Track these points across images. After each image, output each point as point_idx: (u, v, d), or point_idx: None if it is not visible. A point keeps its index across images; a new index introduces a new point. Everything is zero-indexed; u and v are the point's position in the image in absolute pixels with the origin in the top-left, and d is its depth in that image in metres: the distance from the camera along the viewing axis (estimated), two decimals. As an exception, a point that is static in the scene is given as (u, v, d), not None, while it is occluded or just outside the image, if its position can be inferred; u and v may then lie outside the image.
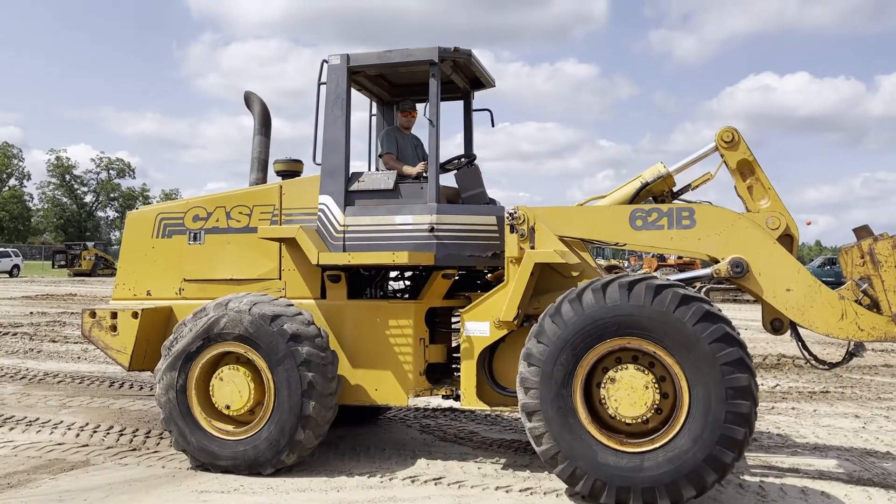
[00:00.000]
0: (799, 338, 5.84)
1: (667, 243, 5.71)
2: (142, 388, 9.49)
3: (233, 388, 5.79)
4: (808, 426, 7.89)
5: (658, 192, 6.11)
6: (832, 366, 5.95)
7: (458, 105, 7.39)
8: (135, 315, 6.33)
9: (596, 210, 5.96)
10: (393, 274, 6.76)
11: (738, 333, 4.99)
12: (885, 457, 6.67)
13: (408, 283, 6.82)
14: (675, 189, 6.16)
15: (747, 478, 5.89)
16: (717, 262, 5.57)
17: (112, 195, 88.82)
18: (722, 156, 5.89)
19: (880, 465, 6.32)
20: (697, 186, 6.16)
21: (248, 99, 7.24)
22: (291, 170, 6.83)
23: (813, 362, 5.92)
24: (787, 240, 5.67)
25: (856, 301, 5.39)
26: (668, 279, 5.26)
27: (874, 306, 5.35)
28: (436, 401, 7.97)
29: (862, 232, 5.48)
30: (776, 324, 5.74)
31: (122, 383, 9.77)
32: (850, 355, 5.68)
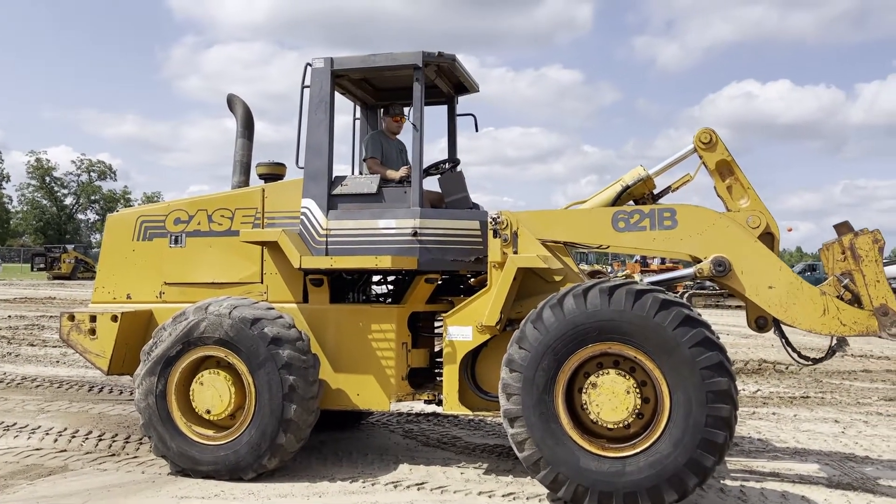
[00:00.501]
0: (782, 335, 5.89)
1: (649, 244, 5.74)
2: (121, 393, 9.39)
3: (213, 393, 5.74)
4: (789, 431, 7.94)
5: (639, 195, 6.15)
6: (815, 361, 6.01)
7: (443, 110, 7.39)
8: (114, 318, 6.27)
9: (579, 213, 5.98)
10: (376, 278, 6.74)
11: (718, 338, 5.02)
12: (864, 461, 6.72)
13: (391, 287, 6.80)
14: (655, 192, 6.20)
15: (728, 482, 5.91)
16: (699, 261, 5.61)
17: (93, 198, 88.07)
18: (700, 157, 5.94)
19: (860, 470, 6.37)
20: (678, 188, 6.21)
21: (231, 102, 7.20)
22: (274, 173, 6.80)
23: (796, 358, 5.98)
24: (767, 238, 5.72)
25: (837, 297, 5.43)
26: (647, 284, 5.28)
27: (855, 301, 5.40)
28: (419, 405, 7.95)
29: (842, 228, 5.53)
30: (760, 321, 5.79)
31: (102, 388, 9.66)
32: (832, 351, 5.74)
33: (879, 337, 5.35)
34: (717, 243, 5.53)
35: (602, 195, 6.17)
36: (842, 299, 5.42)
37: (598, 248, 6.08)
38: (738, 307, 35.13)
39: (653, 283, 5.74)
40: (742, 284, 5.49)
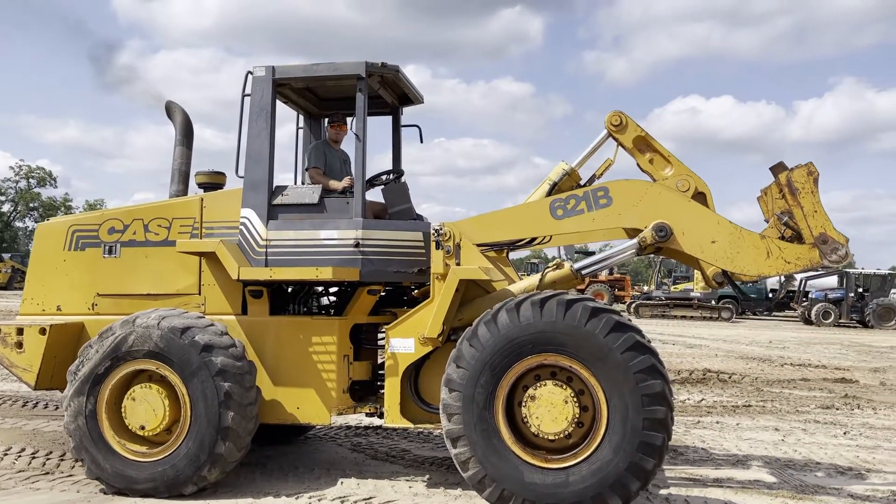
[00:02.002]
0: (734, 285, 6.02)
1: (590, 226, 5.77)
2: (56, 409, 9.05)
3: (146, 408, 5.57)
4: (732, 440, 8.05)
5: (567, 190, 6.22)
6: (770, 308, 6.13)
7: (388, 120, 7.33)
8: (42, 331, 6.03)
9: (516, 209, 6.00)
10: (317, 290, 6.62)
11: (649, 341, 5.07)
12: (803, 468, 6.83)
13: (332, 299, 6.69)
14: (581, 183, 6.32)
15: (673, 491, 5.95)
16: (640, 232, 5.66)
17: (32, 205, 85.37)
18: (616, 139, 6.10)
19: (799, 477, 6.47)
20: (602, 174, 6.33)
21: (170, 109, 7.03)
22: (213, 182, 6.66)
23: (751, 303, 6.11)
24: (700, 198, 5.87)
25: (780, 237, 5.56)
26: (576, 293, 5.31)
27: (797, 237, 5.52)
28: (367, 418, 7.84)
29: (778, 168, 5.64)
30: (718, 278, 5.91)
31: (36, 403, 9.31)
32: (783, 289, 5.86)
33: (822, 268, 5.47)
34: (655, 210, 5.60)
35: (532, 198, 6.24)
36: (784, 239, 5.53)
37: (541, 242, 6.13)
38: (682, 317, 35.78)
39: (595, 262, 5.84)
40: (686, 244, 5.57)
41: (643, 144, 6.10)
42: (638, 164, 6.15)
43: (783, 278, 5.75)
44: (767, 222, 5.88)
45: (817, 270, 5.54)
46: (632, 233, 5.83)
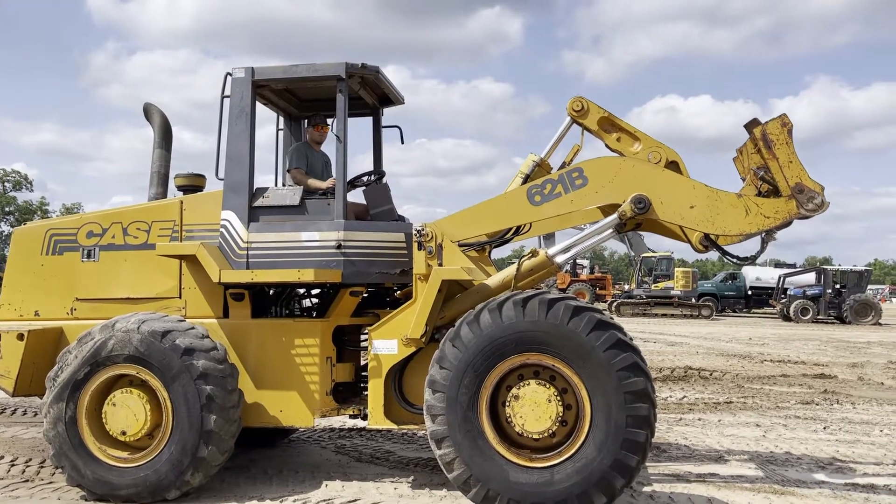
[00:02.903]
0: (720, 249, 6.03)
1: (570, 207, 5.78)
2: (35, 415, 8.95)
3: (127, 413, 5.51)
4: (714, 436, 8.10)
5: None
6: (752, 259, 6.14)
7: (369, 121, 7.30)
8: (20, 337, 5.94)
9: (494, 201, 5.99)
10: (299, 292, 6.59)
11: (631, 339, 5.09)
12: (784, 463, 6.89)
13: (315, 301, 6.66)
14: (552, 172, 6.31)
15: (657, 487, 5.98)
16: (617, 209, 5.68)
17: (7, 209, 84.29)
18: (580, 124, 6.15)
19: (780, 473, 6.52)
20: (572, 161, 6.34)
21: (148, 111, 6.96)
22: (193, 184, 6.60)
23: (735, 261, 6.11)
24: (673, 167, 5.94)
25: (758, 193, 5.62)
26: (557, 292, 5.33)
27: (773, 192, 5.56)
28: (351, 420, 7.82)
29: (751, 124, 5.67)
30: (704, 241, 5.95)
31: (15, 409, 9.21)
32: (764, 243, 5.86)
33: (800, 217, 5.48)
34: (631, 184, 5.63)
35: (508, 191, 6.23)
36: (762, 194, 5.59)
37: (522, 232, 6.17)
38: (663, 315, 36.04)
39: (572, 245, 5.82)
40: (665, 213, 5.61)
41: (608, 125, 6.15)
42: (607, 145, 6.18)
43: (764, 234, 5.74)
44: (744, 181, 5.90)
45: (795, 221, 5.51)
46: (608, 210, 5.85)
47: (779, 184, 5.49)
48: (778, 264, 46.70)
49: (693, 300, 37.08)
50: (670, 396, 10.87)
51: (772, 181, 5.54)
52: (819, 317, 34.41)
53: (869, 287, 38.98)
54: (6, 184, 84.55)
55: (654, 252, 37.94)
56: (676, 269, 37.85)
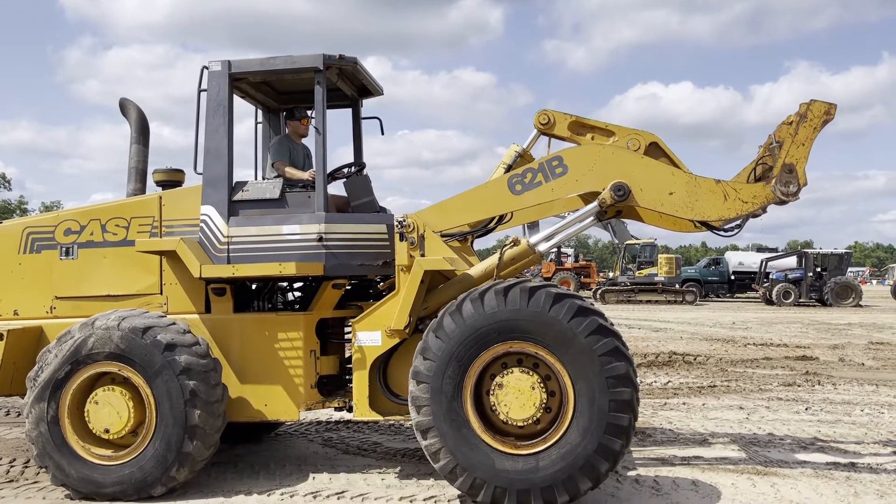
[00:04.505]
0: (710, 227, 6.03)
1: (550, 196, 5.79)
2: (18, 415, 8.87)
3: (110, 410, 5.48)
4: (698, 420, 8.17)
5: None
6: (733, 232, 6.14)
7: (348, 113, 7.27)
8: (0, 336, 5.89)
9: (475, 191, 5.98)
10: (282, 285, 6.56)
11: (612, 324, 5.12)
12: (767, 444, 6.96)
13: (297, 294, 6.64)
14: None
15: (642, 472, 6.02)
16: (597, 197, 5.69)
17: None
18: (552, 136, 6.20)
19: (763, 454, 6.59)
20: None
21: (124, 106, 6.89)
22: (172, 180, 6.54)
23: (718, 233, 6.09)
24: (654, 148, 5.96)
25: (751, 172, 5.71)
26: (540, 280, 5.33)
27: (762, 176, 5.62)
28: (337, 413, 7.81)
29: (807, 104, 5.67)
30: (696, 222, 5.96)
31: (-4, 411, 9.13)
32: (743, 221, 5.87)
33: (777, 203, 5.51)
34: (610, 171, 5.66)
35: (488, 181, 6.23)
36: (754, 174, 5.67)
37: (503, 222, 6.13)
38: (647, 302, 36.25)
39: (553, 233, 5.85)
40: (644, 200, 5.64)
41: (578, 127, 6.18)
42: None
43: (741, 217, 5.76)
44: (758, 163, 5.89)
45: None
46: (589, 198, 5.86)
47: (776, 164, 5.51)
48: (760, 249, 47.10)
49: (677, 286, 37.31)
50: (655, 381, 10.95)
51: (770, 164, 5.56)
52: (801, 300, 34.77)
53: (849, 270, 39.35)
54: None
55: (637, 239, 38.13)
56: (660, 255, 38.07)
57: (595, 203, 5.67)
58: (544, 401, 5.05)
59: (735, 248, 47.46)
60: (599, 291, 37.16)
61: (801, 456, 6.54)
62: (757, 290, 38.58)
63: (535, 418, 5.05)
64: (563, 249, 43.65)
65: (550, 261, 40.43)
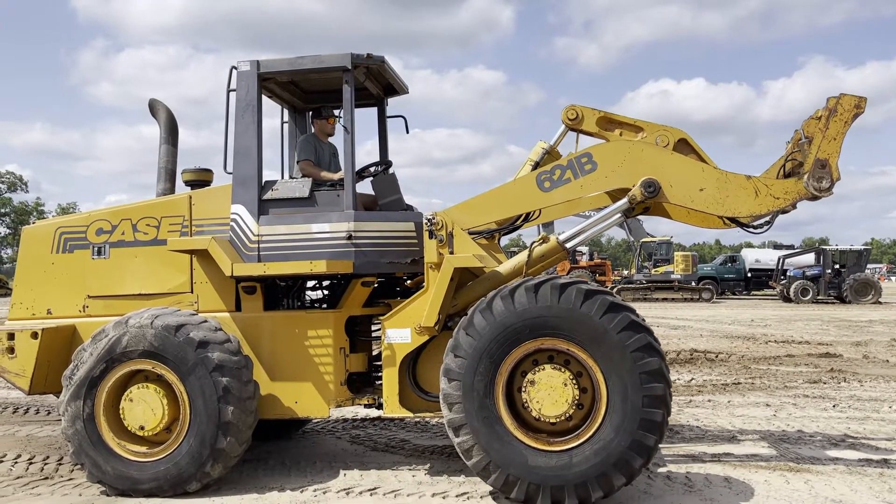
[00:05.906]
0: (740, 224, 6.00)
1: (579, 192, 5.80)
2: (49, 413, 8.96)
3: (145, 408, 5.53)
4: (725, 416, 8.14)
5: None
6: (763, 228, 6.09)
7: (373, 112, 7.29)
8: (34, 335, 5.95)
9: (503, 188, 6.00)
10: (311, 283, 6.60)
11: (644, 320, 5.10)
12: (797, 441, 6.92)
13: (326, 292, 6.67)
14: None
15: (673, 468, 6.01)
16: (626, 194, 5.68)
17: (2, 210, 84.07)
18: (579, 131, 6.16)
19: (794, 451, 6.56)
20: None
21: (153, 107, 6.95)
22: (201, 179, 6.59)
23: (748, 230, 6.06)
24: (683, 145, 5.91)
25: (786, 158, 5.66)
26: (571, 276, 5.31)
27: (793, 172, 5.58)
28: (364, 411, 7.83)
29: (836, 98, 5.64)
30: (724, 218, 5.93)
31: (28, 409, 9.22)
32: (773, 218, 5.83)
33: (809, 199, 5.47)
34: (640, 168, 5.65)
35: (516, 178, 6.23)
36: (784, 172, 5.62)
37: (531, 218, 6.13)
38: (664, 300, 36.11)
39: (581, 230, 5.83)
40: (675, 196, 5.62)
41: (607, 123, 6.14)
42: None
43: (770, 213, 5.72)
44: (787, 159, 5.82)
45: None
46: (617, 195, 5.85)
47: (808, 157, 5.46)
48: (777, 246, 46.83)
49: (693, 283, 37.16)
50: (678, 379, 10.91)
51: (803, 157, 5.51)
52: (819, 297, 34.52)
53: (868, 266, 39.06)
54: (1, 185, 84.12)
55: (653, 237, 38.01)
56: (676, 252, 37.93)
57: (625, 199, 5.66)
58: (576, 397, 5.04)
59: (750, 245, 47.14)
60: (615, 289, 37.07)
61: (833, 453, 6.51)
62: (774, 288, 38.36)
63: (567, 415, 5.05)
64: (578, 248, 43.52)
65: (566, 259, 40.32)
